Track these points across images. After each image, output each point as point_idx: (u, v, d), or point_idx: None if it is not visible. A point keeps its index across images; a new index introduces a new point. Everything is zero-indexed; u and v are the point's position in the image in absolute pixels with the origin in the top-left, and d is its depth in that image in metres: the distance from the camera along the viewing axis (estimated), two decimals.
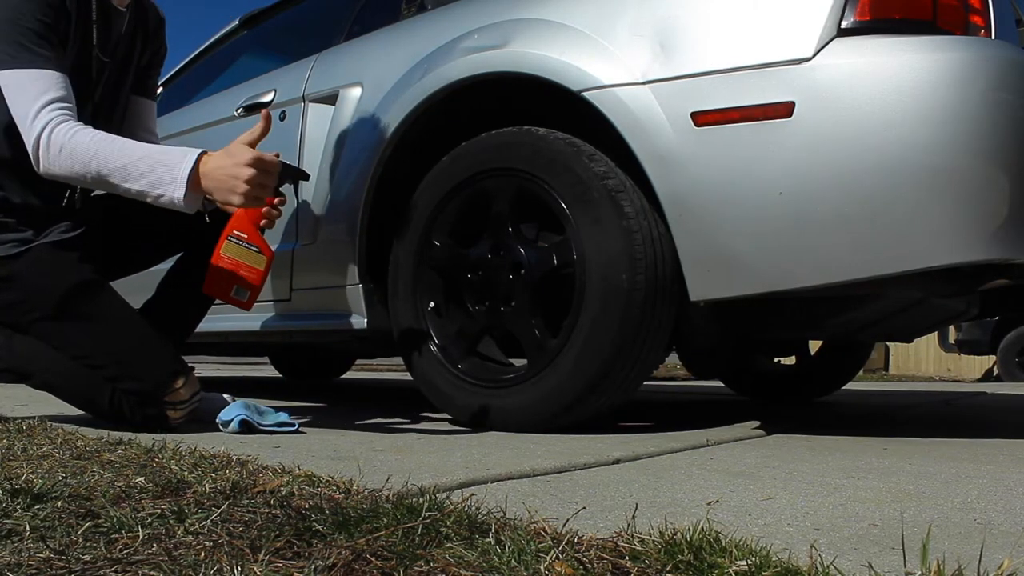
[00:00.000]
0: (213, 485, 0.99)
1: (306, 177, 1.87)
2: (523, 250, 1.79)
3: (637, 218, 1.64)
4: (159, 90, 2.25)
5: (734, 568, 0.66)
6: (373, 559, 0.70)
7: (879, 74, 1.44)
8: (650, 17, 1.65)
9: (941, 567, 0.66)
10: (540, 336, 1.77)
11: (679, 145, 1.56)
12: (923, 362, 12.62)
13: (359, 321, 2.12)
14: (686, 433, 1.76)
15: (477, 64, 1.84)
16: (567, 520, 0.86)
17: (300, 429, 1.77)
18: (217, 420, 1.74)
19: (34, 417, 1.78)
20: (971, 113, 1.41)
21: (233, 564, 0.68)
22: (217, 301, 1.94)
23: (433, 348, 1.92)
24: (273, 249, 1.86)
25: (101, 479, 1.05)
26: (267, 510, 0.86)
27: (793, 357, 3.26)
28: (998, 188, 1.42)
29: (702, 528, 0.75)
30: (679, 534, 0.74)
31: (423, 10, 2.26)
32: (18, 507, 0.86)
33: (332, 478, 1.06)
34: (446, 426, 1.88)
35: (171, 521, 0.82)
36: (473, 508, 0.87)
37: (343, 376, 5.09)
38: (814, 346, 3.25)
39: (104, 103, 1.82)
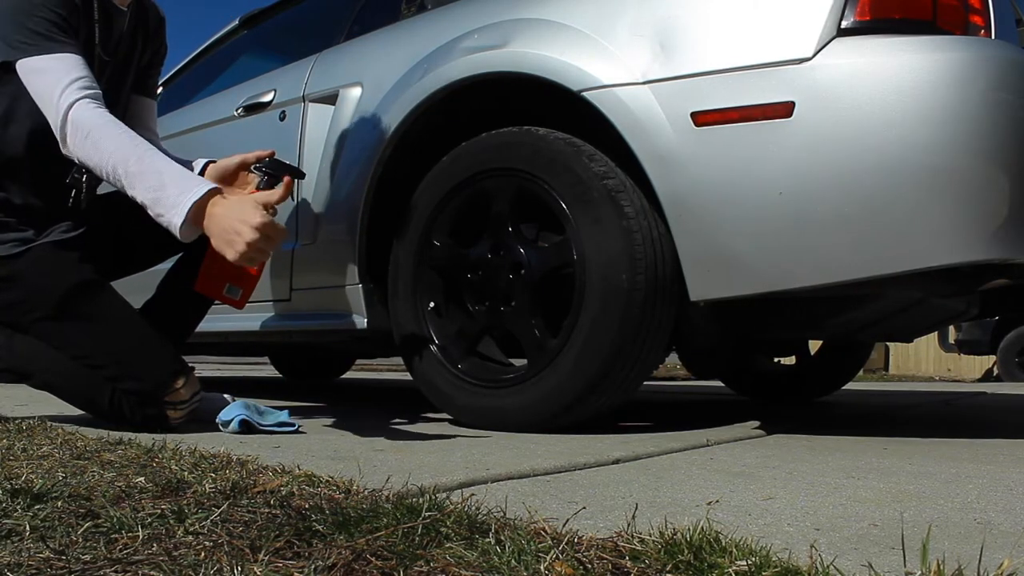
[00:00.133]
0: (213, 485, 0.99)
1: (302, 176, 1.88)
2: (523, 250, 1.79)
3: (637, 218, 1.64)
4: (159, 90, 2.25)
5: (734, 568, 0.66)
6: (373, 559, 0.70)
7: (879, 74, 1.44)
8: (650, 17, 1.65)
9: (941, 567, 0.66)
10: (540, 336, 1.77)
11: (679, 145, 1.56)
12: (923, 362, 12.62)
13: (359, 321, 2.12)
14: (686, 433, 1.76)
15: (477, 64, 1.84)
16: (567, 520, 0.86)
17: (300, 429, 1.77)
18: (217, 420, 1.74)
19: (34, 417, 1.78)
20: (971, 113, 1.41)
21: (233, 564, 0.68)
22: (217, 301, 1.94)
23: (433, 348, 1.92)
24: None
25: (101, 479, 1.05)
26: (267, 510, 0.86)
27: (793, 357, 3.26)
28: (998, 188, 1.42)
29: (702, 528, 0.75)
30: (679, 534, 0.74)
31: (423, 10, 2.26)
32: (18, 507, 0.86)
33: (332, 478, 1.06)
34: (446, 426, 1.88)
35: (171, 521, 0.82)
36: (473, 508, 0.87)
37: (343, 376, 5.09)
38: (814, 346, 3.25)
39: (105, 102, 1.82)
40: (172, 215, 1.51)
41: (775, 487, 1.14)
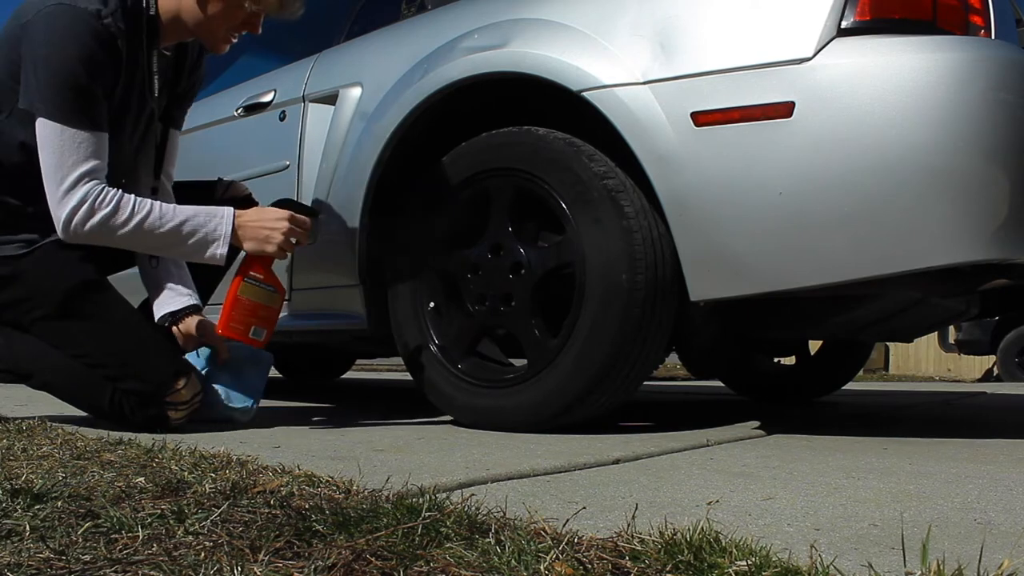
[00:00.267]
0: (213, 485, 0.99)
1: (317, 215, 1.94)
2: (523, 250, 1.79)
3: (637, 218, 1.64)
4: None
5: (734, 568, 0.66)
6: (373, 559, 0.70)
7: (879, 74, 1.44)
8: (650, 17, 1.65)
9: (941, 567, 0.66)
10: (540, 336, 1.77)
11: (679, 145, 1.56)
12: (923, 362, 12.61)
13: (359, 321, 2.12)
14: (686, 433, 1.76)
15: (477, 64, 1.84)
16: (567, 520, 0.86)
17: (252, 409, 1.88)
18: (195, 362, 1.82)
19: (34, 417, 1.78)
20: (971, 113, 1.41)
21: (233, 564, 0.68)
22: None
23: (433, 348, 1.92)
24: None
25: (101, 479, 1.05)
26: (267, 510, 0.86)
27: (793, 357, 3.26)
28: (998, 188, 1.42)
29: (702, 528, 0.75)
30: (679, 534, 0.74)
31: (423, 10, 2.26)
32: (18, 507, 0.86)
33: (332, 478, 1.06)
34: (446, 426, 1.88)
35: (171, 521, 0.82)
36: (473, 508, 0.87)
37: (343, 376, 5.09)
38: (814, 346, 3.25)
39: (144, 138, 1.85)
40: (215, 249, 1.71)
41: (775, 487, 1.14)
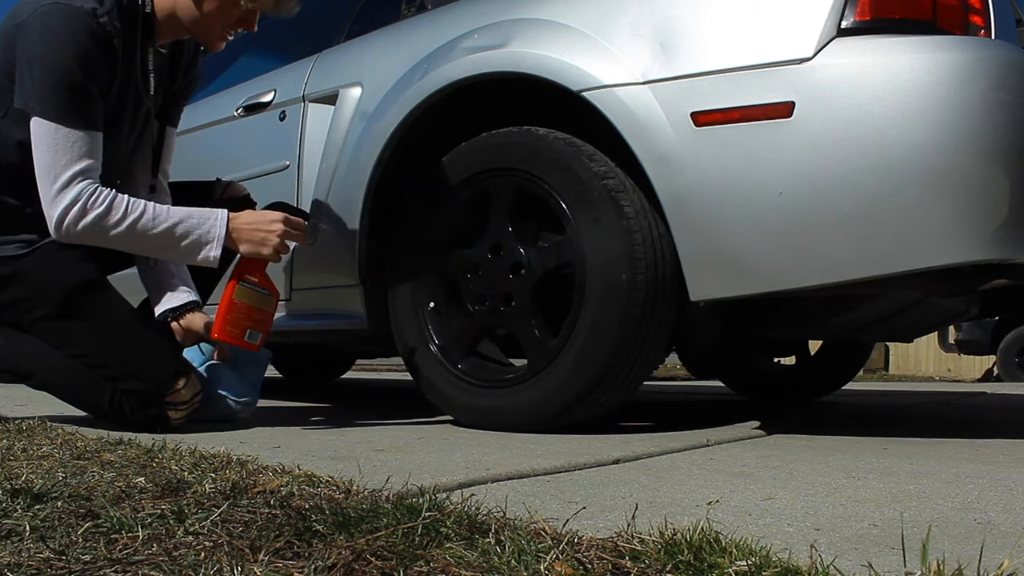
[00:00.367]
0: (213, 485, 0.99)
1: (307, 218, 1.93)
2: (523, 250, 1.79)
3: (637, 218, 1.64)
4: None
5: (734, 568, 0.66)
6: (373, 559, 0.70)
7: (879, 74, 1.44)
8: (650, 17, 1.65)
9: (941, 567, 0.66)
10: (540, 336, 1.77)
11: (679, 145, 1.56)
12: (923, 362, 12.61)
13: (359, 321, 2.12)
14: (686, 433, 1.76)
15: (477, 64, 1.84)
16: (567, 520, 0.86)
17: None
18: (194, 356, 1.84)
19: (34, 417, 1.78)
20: (971, 113, 1.41)
21: (233, 564, 0.68)
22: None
23: (433, 348, 1.92)
24: None
25: (101, 479, 1.05)
26: (267, 510, 0.86)
27: (793, 357, 3.26)
28: (998, 188, 1.42)
29: (702, 528, 0.75)
30: (679, 534, 0.74)
31: (423, 10, 2.26)
32: (18, 507, 0.86)
33: (332, 478, 1.06)
34: (446, 426, 1.88)
35: (171, 521, 0.82)
36: (473, 508, 0.87)
37: (343, 376, 5.09)
38: (814, 346, 3.25)
39: (141, 136, 1.85)
40: (208, 252, 1.70)
41: (775, 487, 1.14)
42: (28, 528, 0.78)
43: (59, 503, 0.89)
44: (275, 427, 1.82)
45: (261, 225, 1.74)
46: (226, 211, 1.73)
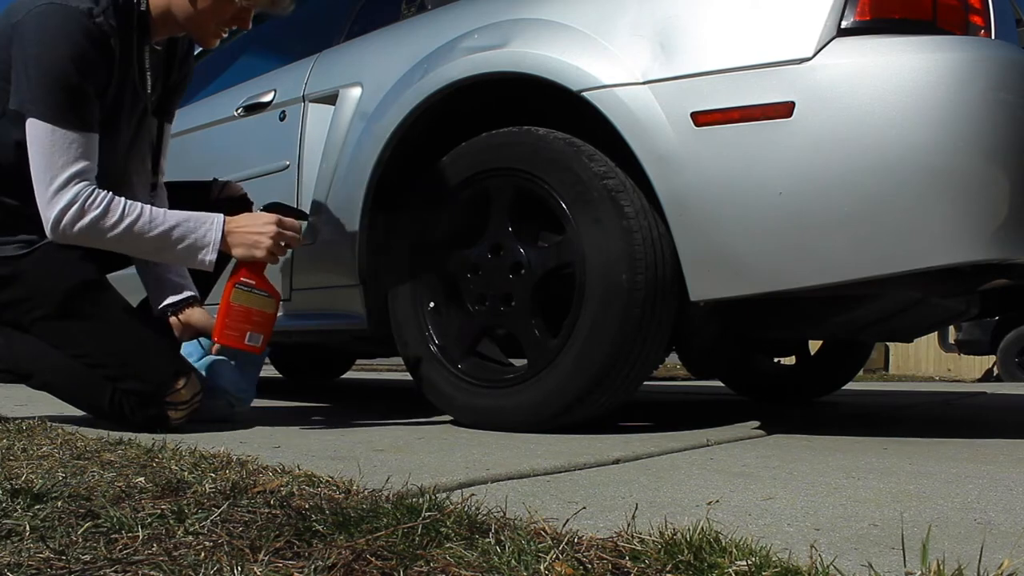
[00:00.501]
0: (213, 485, 0.99)
1: (306, 217, 1.93)
2: (523, 250, 1.79)
3: (637, 218, 1.64)
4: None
5: (734, 568, 0.66)
6: (373, 559, 0.70)
7: (879, 74, 1.44)
8: (650, 17, 1.65)
9: (941, 567, 0.66)
10: (540, 336, 1.77)
11: (679, 145, 1.56)
12: (923, 362, 12.61)
13: (359, 321, 2.12)
14: (686, 433, 1.76)
15: (477, 64, 1.84)
16: (567, 520, 0.86)
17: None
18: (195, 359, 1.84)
19: (34, 417, 1.78)
20: (971, 113, 1.41)
21: (233, 564, 0.68)
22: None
23: (433, 348, 1.92)
24: None
25: (101, 479, 1.05)
26: (267, 510, 0.86)
27: (793, 357, 3.26)
28: (998, 188, 1.42)
29: (702, 528, 0.75)
30: (679, 534, 0.74)
31: (423, 10, 2.26)
32: (18, 507, 0.86)
33: (332, 478, 1.06)
34: (446, 426, 1.88)
35: (171, 521, 0.82)
36: (473, 508, 0.87)
37: (343, 376, 5.10)
38: (814, 346, 3.25)
39: (137, 133, 1.85)
40: (204, 255, 1.69)
41: (775, 487, 1.14)
42: (28, 528, 0.78)
43: (59, 503, 0.89)
44: (275, 427, 1.82)
45: (254, 228, 1.73)
46: (222, 216, 1.73)
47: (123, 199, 1.66)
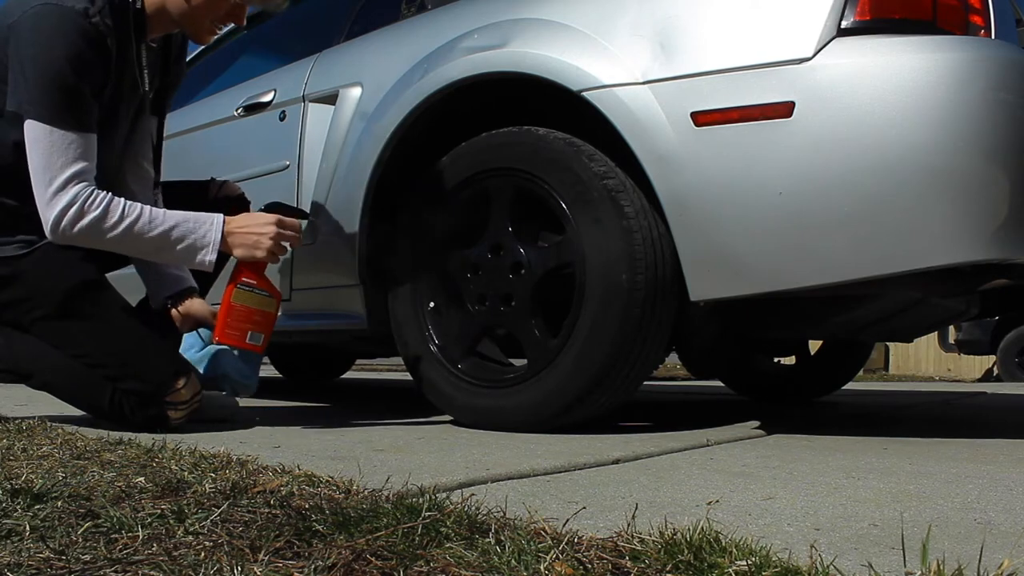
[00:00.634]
0: (213, 485, 0.99)
1: (306, 217, 1.92)
2: (523, 250, 1.79)
3: (637, 218, 1.64)
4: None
5: (734, 568, 0.66)
6: (373, 559, 0.70)
7: (879, 74, 1.44)
8: (650, 17, 1.65)
9: (941, 567, 0.66)
10: (540, 336, 1.77)
11: (679, 145, 1.56)
12: (923, 362, 12.61)
13: (359, 321, 2.12)
14: (686, 433, 1.76)
15: (477, 64, 1.84)
16: (567, 520, 0.86)
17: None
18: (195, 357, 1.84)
19: (34, 417, 1.78)
20: (971, 113, 1.41)
21: (233, 564, 0.68)
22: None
23: (433, 348, 1.92)
24: None
25: (101, 479, 1.05)
26: (267, 510, 0.86)
27: (793, 357, 3.26)
28: (998, 188, 1.42)
29: (702, 528, 0.75)
30: (679, 534, 0.74)
31: (423, 10, 2.26)
32: (18, 507, 0.86)
33: (332, 478, 1.06)
34: (446, 426, 1.88)
35: (171, 521, 0.82)
36: (473, 508, 0.87)
37: (343, 376, 5.10)
38: (814, 346, 3.25)
39: (134, 129, 1.86)
40: (204, 256, 1.69)
41: (775, 487, 1.14)
42: (28, 528, 0.78)
43: (59, 503, 0.89)
44: (275, 427, 1.82)
45: (254, 228, 1.73)
46: (222, 216, 1.73)
47: (122, 199, 1.66)
